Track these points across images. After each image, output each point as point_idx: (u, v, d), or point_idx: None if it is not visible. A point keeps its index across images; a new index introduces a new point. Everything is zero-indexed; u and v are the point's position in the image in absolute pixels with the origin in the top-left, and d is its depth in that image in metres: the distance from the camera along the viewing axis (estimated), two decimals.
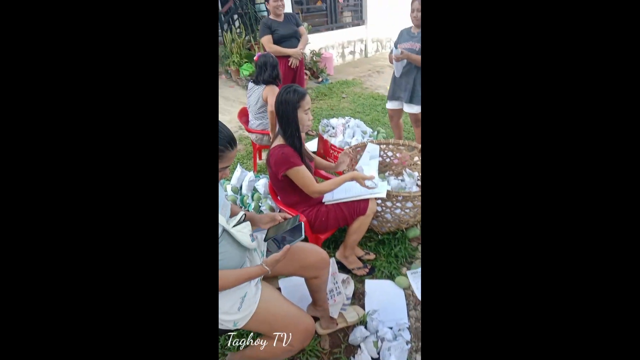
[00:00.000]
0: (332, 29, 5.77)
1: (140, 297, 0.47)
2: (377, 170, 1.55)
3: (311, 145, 2.93)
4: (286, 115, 1.32)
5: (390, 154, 2.20)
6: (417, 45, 2.08)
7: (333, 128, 2.68)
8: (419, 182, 2.06)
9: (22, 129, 0.44)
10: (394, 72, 2.28)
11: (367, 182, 1.43)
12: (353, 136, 2.55)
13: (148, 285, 0.47)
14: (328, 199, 1.53)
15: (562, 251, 0.44)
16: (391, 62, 2.19)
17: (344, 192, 1.54)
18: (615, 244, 0.42)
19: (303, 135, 1.61)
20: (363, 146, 2.09)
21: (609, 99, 0.43)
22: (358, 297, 1.49)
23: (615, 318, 0.42)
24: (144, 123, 0.47)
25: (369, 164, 1.54)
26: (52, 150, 0.44)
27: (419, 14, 2.01)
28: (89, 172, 0.45)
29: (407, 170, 2.10)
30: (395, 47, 2.16)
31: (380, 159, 2.23)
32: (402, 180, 2.04)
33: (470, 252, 0.47)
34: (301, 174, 1.33)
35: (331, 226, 1.51)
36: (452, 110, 0.48)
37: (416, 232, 1.80)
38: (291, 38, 2.66)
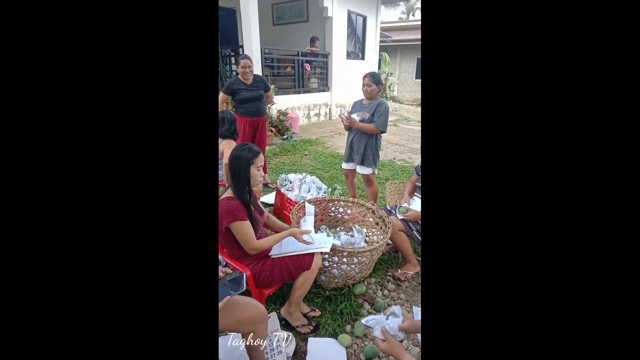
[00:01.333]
0: (300, 92, 6.31)
1: (141, 299, 0.50)
2: (312, 225, 1.68)
3: (269, 198, 3.01)
4: (239, 170, 1.42)
5: (341, 209, 2.34)
6: (367, 115, 2.38)
7: (290, 182, 2.82)
8: (368, 239, 2.18)
9: (21, 129, 0.46)
10: (348, 139, 2.58)
11: (305, 237, 1.51)
12: (309, 191, 2.70)
13: (147, 287, 0.50)
14: (275, 252, 1.58)
15: (563, 261, 0.45)
16: (345, 128, 2.48)
17: (291, 245, 1.60)
18: (616, 244, 0.43)
19: (257, 188, 1.71)
20: (315, 201, 2.21)
21: (610, 99, 0.44)
22: (300, 356, 1.46)
23: (615, 318, 0.43)
24: (146, 126, 0.52)
25: (305, 221, 1.68)
26: (52, 149, 0.47)
27: (369, 88, 2.36)
28: (92, 186, 0.49)
29: (357, 226, 2.22)
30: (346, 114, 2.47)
31: (332, 214, 2.36)
32: (352, 236, 2.15)
33: (469, 268, 0.49)
34: (243, 229, 1.40)
35: (276, 281, 1.53)
36: (450, 118, 0.52)
37: (362, 288, 1.86)
38: (255, 101, 2.90)
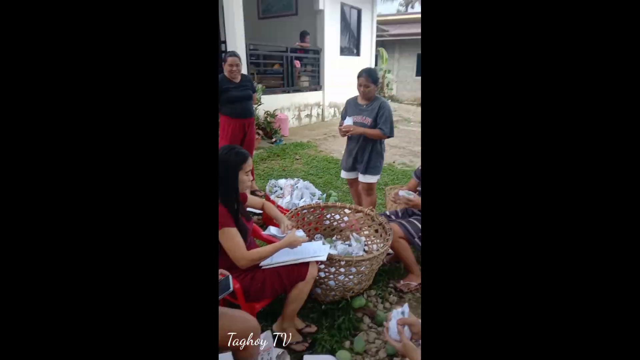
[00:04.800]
0: (289, 92, 6.40)
1: (140, 299, 0.56)
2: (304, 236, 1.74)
3: None
4: (225, 175, 1.45)
5: (337, 217, 2.39)
6: (368, 120, 2.40)
7: (281, 189, 2.86)
8: (366, 248, 2.23)
9: (21, 130, 0.51)
10: (348, 146, 2.58)
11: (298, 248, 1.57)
12: (301, 198, 2.74)
13: (146, 287, 0.56)
14: (266, 262, 1.60)
15: (564, 265, 0.50)
16: (341, 134, 2.47)
17: (284, 255, 1.63)
18: (616, 244, 0.48)
19: (247, 192, 1.75)
20: (309, 208, 2.25)
21: (609, 99, 0.48)
22: None
23: (615, 318, 0.48)
24: (146, 128, 0.58)
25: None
26: (61, 156, 0.54)
27: (366, 89, 2.37)
28: (92, 187, 0.56)
29: (354, 234, 2.27)
30: (344, 117, 2.50)
31: (328, 222, 2.40)
32: (349, 245, 2.20)
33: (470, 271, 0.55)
34: (229, 237, 1.42)
35: (267, 294, 1.56)
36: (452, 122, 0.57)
37: (362, 301, 1.89)
38: (243, 101, 2.95)
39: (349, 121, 2.41)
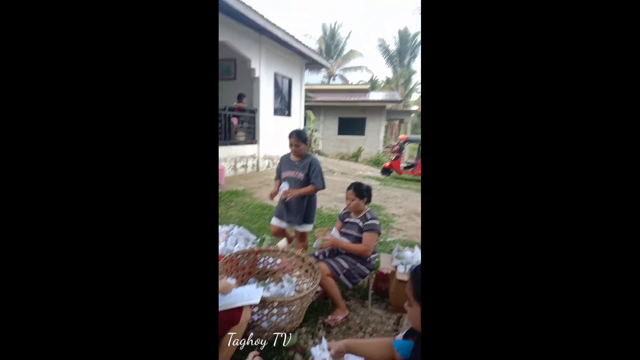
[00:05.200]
0: (226, 144, 6.36)
1: (142, 299, 0.55)
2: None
3: None
4: None
5: (271, 260, 2.35)
6: (301, 175, 2.52)
7: None
8: (297, 288, 2.21)
9: (22, 131, 0.48)
10: (283, 199, 2.60)
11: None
12: (236, 243, 2.64)
13: (147, 287, 0.55)
14: None
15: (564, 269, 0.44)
16: (271, 198, 2.53)
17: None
18: (615, 245, 0.42)
19: None
20: (243, 253, 2.19)
21: (608, 100, 0.42)
22: None
23: (615, 318, 0.42)
24: (148, 128, 0.57)
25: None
26: (77, 162, 0.52)
27: (297, 148, 2.52)
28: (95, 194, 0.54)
29: (287, 276, 2.25)
30: (279, 173, 2.61)
31: (261, 266, 2.35)
32: (282, 287, 2.16)
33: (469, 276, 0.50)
34: None
35: None
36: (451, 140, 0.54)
37: (293, 339, 1.84)
38: None
39: (284, 186, 2.49)
